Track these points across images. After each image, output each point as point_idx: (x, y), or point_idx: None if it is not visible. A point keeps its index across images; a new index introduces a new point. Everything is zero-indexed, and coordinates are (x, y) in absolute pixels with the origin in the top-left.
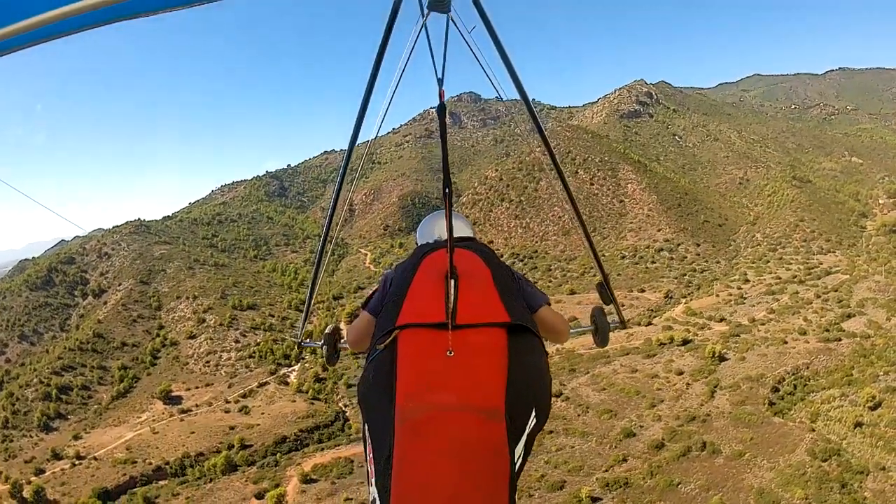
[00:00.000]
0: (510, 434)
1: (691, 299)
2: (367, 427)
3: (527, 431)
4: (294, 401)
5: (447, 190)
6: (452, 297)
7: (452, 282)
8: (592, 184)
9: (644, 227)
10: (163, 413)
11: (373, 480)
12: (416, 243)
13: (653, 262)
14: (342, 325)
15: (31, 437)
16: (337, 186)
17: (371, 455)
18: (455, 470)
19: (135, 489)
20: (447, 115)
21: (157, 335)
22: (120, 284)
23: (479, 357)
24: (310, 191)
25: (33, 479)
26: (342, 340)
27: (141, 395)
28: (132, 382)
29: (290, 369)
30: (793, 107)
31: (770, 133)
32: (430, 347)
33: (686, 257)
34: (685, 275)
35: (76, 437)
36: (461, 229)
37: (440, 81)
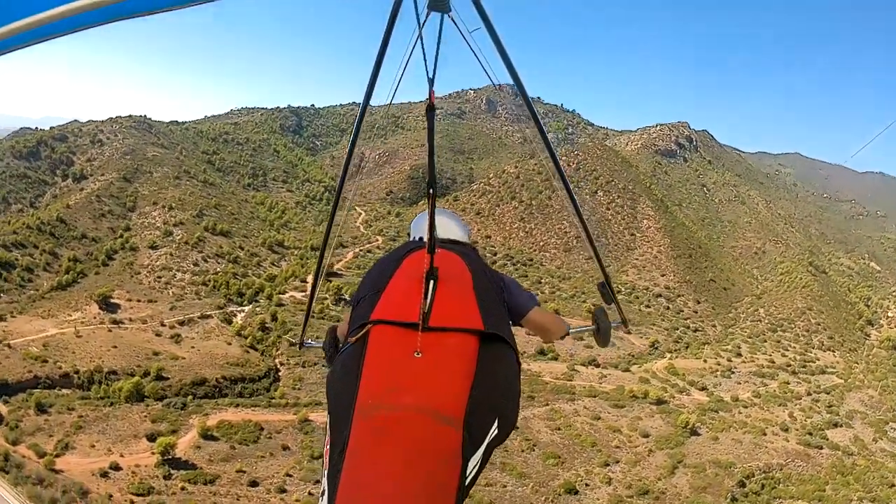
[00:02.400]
0: (466, 442)
1: (677, 356)
2: (329, 418)
3: (486, 441)
4: (230, 343)
5: (431, 190)
6: (429, 299)
7: (430, 283)
8: (608, 208)
9: (648, 268)
10: (94, 318)
11: (325, 472)
12: (409, 236)
13: (647, 306)
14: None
15: None
16: (338, 187)
17: (328, 446)
18: (402, 472)
19: (34, 390)
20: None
21: (121, 236)
22: (102, 175)
23: (446, 361)
24: (325, 136)
25: None
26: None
27: (80, 293)
28: (77, 277)
29: (238, 308)
30: (825, 195)
31: (797, 213)
32: (398, 346)
33: (683, 311)
34: (677, 329)
35: None
36: (452, 232)
37: (431, 81)
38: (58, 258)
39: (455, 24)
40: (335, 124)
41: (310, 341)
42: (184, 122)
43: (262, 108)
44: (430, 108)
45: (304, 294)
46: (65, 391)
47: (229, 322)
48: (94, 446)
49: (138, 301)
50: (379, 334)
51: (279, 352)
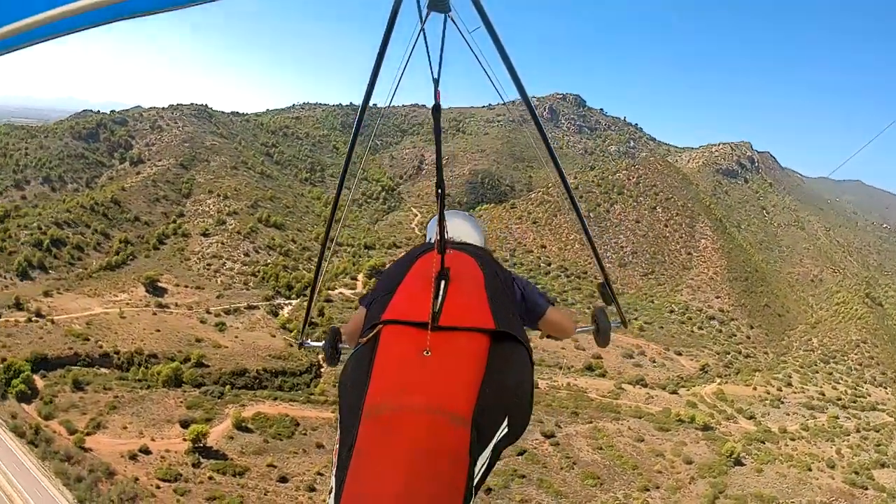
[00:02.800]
0: (474, 441)
1: (727, 382)
2: (339, 417)
3: (495, 440)
4: (274, 336)
5: (440, 191)
6: (440, 299)
7: (441, 283)
8: (666, 226)
9: (703, 289)
10: (140, 300)
11: (334, 470)
12: (425, 238)
13: (700, 328)
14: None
15: (4, 278)
16: (338, 187)
17: (337, 445)
18: (409, 471)
19: (73, 366)
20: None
21: (174, 222)
22: (160, 160)
23: (455, 361)
24: (386, 136)
25: None
26: (343, 340)
27: (128, 275)
28: (126, 259)
29: (286, 301)
30: (885, 226)
31: (856, 242)
32: (409, 346)
33: (735, 335)
34: (728, 353)
35: (46, 294)
36: (466, 234)
37: (436, 82)
38: (109, 239)
39: (455, 24)
40: (396, 124)
41: (310, 342)
42: (245, 114)
43: (324, 105)
44: (436, 109)
45: (353, 292)
46: (103, 370)
47: (275, 314)
48: (126, 428)
49: (186, 287)
50: (390, 334)
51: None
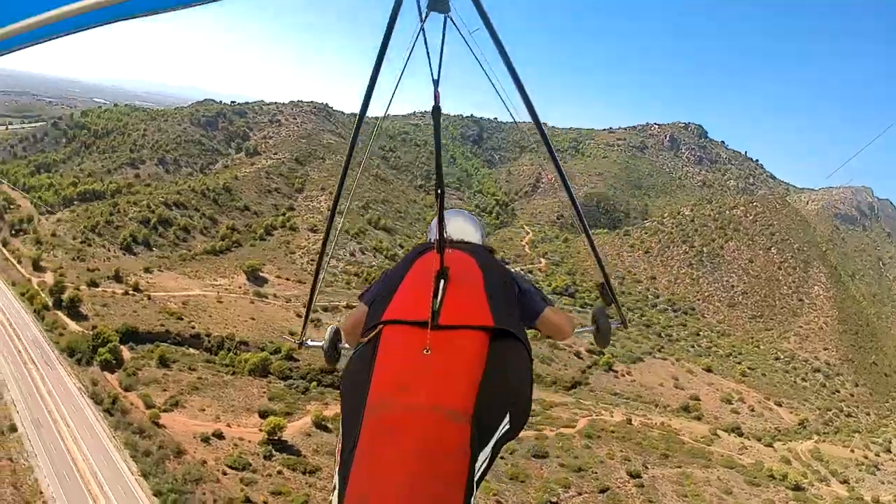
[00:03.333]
0: (475, 438)
1: (824, 440)
2: (341, 417)
3: (496, 436)
4: None
5: (439, 191)
6: (439, 298)
7: (440, 282)
8: (780, 268)
9: (811, 339)
10: (239, 287)
11: (337, 469)
12: (427, 238)
13: (804, 380)
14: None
15: (108, 250)
16: (337, 187)
17: (340, 444)
18: (411, 468)
19: (162, 343)
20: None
21: (283, 214)
22: (276, 153)
23: (454, 358)
24: (504, 150)
25: (83, 287)
26: (342, 340)
27: (231, 261)
28: (231, 246)
29: None
30: None
31: None
32: (408, 345)
33: (839, 391)
34: (830, 410)
35: (147, 270)
36: (466, 233)
37: (436, 83)
38: (216, 224)
39: (455, 24)
40: (515, 140)
41: (309, 341)
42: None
43: (445, 114)
44: (436, 111)
45: None
46: (192, 350)
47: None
48: (203, 410)
49: (287, 280)
50: (390, 334)
51: None
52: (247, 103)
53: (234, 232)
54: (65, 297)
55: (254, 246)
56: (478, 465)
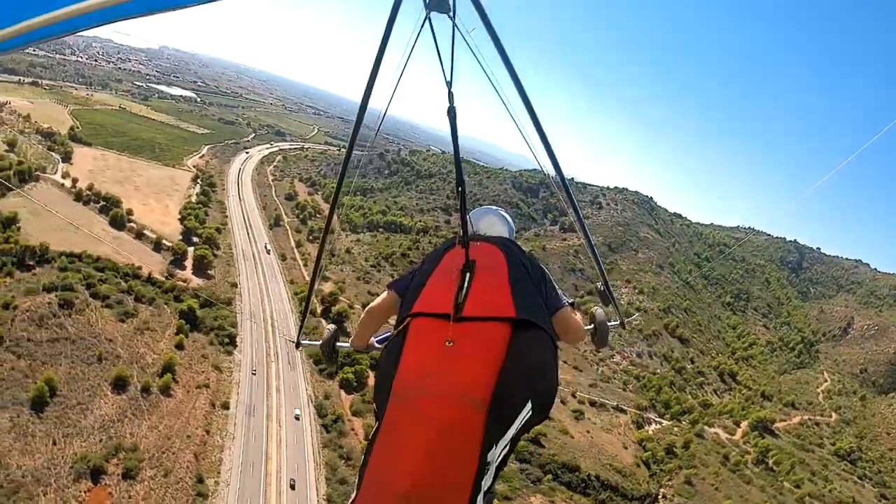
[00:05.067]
0: (492, 422)
1: None
2: (375, 403)
3: (517, 423)
4: (626, 447)
5: (460, 188)
6: (464, 291)
7: (465, 276)
8: None
9: None
10: None
11: (364, 450)
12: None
13: None
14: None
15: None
16: (337, 185)
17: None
18: (424, 450)
19: None
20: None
21: (578, 297)
22: (590, 234)
23: (475, 349)
24: (821, 284)
25: (356, 306)
26: (340, 340)
27: None
28: None
29: (657, 418)
30: None
31: None
32: (433, 337)
33: None
34: None
35: None
36: (495, 230)
37: (449, 84)
38: None
39: (455, 24)
40: (835, 277)
41: (306, 341)
42: (687, 219)
43: (767, 235)
44: (451, 112)
45: (727, 435)
46: None
47: (639, 426)
48: None
49: (564, 362)
50: (417, 326)
51: (669, 480)
52: (571, 180)
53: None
54: (334, 309)
55: None
56: (497, 450)
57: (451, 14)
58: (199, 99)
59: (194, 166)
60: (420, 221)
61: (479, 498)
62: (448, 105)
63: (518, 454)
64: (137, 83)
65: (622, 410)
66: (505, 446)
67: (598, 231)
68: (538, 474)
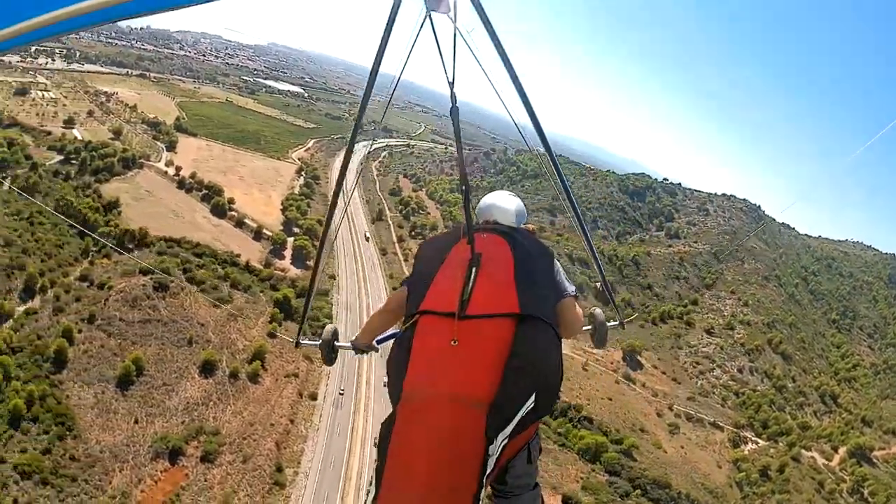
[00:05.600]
0: (491, 424)
1: None
2: (390, 396)
3: (518, 416)
4: (720, 467)
5: (464, 187)
6: (468, 289)
7: (470, 272)
8: None
9: None
10: (612, 363)
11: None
12: (476, 219)
13: None
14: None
15: None
16: (337, 183)
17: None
18: (431, 456)
19: None
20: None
21: (684, 306)
22: (695, 242)
23: (479, 348)
24: None
25: None
26: (339, 341)
27: (614, 333)
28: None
29: (753, 438)
30: None
31: None
32: (439, 336)
33: None
34: None
35: None
36: (506, 217)
37: (451, 84)
38: (614, 293)
39: (454, 24)
40: None
41: (305, 340)
42: (795, 230)
43: (876, 250)
44: (454, 111)
45: (824, 460)
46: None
47: (735, 446)
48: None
49: (662, 373)
50: (424, 324)
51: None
52: (677, 184)
53: (628, 306)
54: None
55: (643, 327)
56: (496, 445)
57: (451, 14)
58: (306, 94)
59: (299, 159)
60: (525, 222)
61: (482, 494)
62: (451, 105)
63: (608, 466)
64: (245, 78)
65: (719, 427)
66: (504, 438)
67: (703, 239)
68: (627, 488)
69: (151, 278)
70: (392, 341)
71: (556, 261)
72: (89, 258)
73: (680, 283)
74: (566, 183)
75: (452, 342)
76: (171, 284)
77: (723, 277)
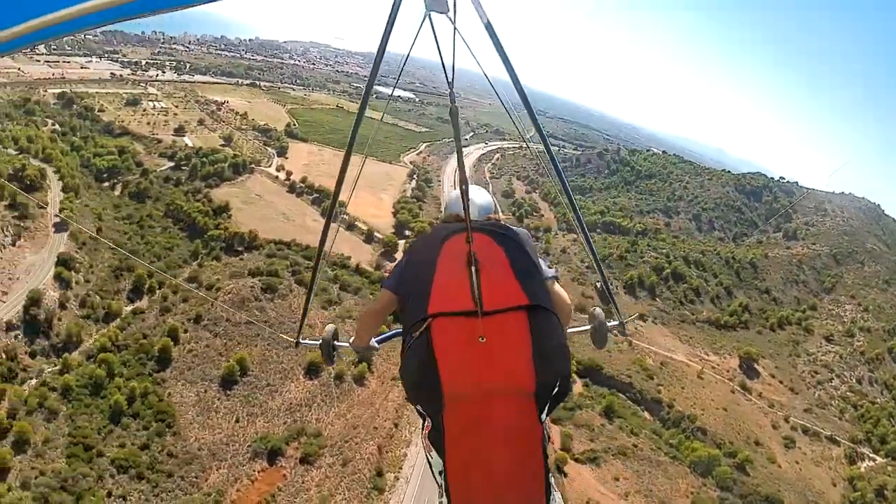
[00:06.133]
0: (539, 408)
1: None
2: (418, 408)
3: (550, 402)
4: (835, 485)
5: (464, 186)
6: (478, 286)
7: (472, 270)
8: None
9: None
10: (727, 371)
11: (433, 454)
12: (442, 209)
13: None
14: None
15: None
16: (336, 183)
17: (427, 431)
18: (510, 448)
19: (620, 393)
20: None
21: (803, 311)
22: (814, 244)
23: (508, 341)
24: None
25: None
26: (339, 340)
27: (730, 340)
28: (737, 324)
29: (871, 455)
30: None
31: None
32: (462, 335)
33: None
34: None
35: (641, 318)
36: (482, 208)
37: (450, 84)
38: (730, 297)
39: (454, 24)
40: None
41: (305, 340)
42: None
43: None
44: (453, 111)
45: None
46: (645, 414)
47: (852, 462)
48: (617, 480)
49: (780, 382)
50: (441, 326)
51: None
52: (791, 182)
53: (745, 311)
54: None
55: (760, 333)
56: (545, 431)
57: (450, 14)
58: (417, 99)
59: (411, 163)
60: (640, 223)
61: (551, 477)
62: (451, 106)
63: (720, 481)
64: (355, 84)
65: (835, 441)
66: (545, 422)
67: (821, 240)
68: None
69: (260, 280)
70: (391, 342)
71: (530, 242)
72: (198, 260)
73: (798, 288)
74: (566, 184)
75: (481, 339)
76: (280, 286)
77: (842, 281)
